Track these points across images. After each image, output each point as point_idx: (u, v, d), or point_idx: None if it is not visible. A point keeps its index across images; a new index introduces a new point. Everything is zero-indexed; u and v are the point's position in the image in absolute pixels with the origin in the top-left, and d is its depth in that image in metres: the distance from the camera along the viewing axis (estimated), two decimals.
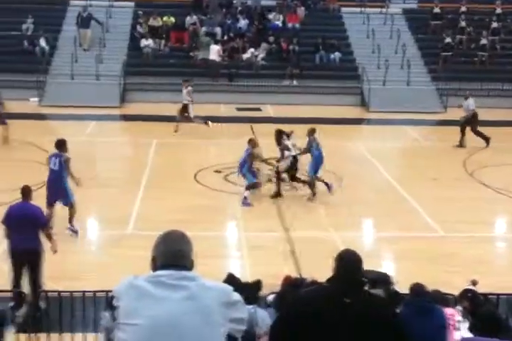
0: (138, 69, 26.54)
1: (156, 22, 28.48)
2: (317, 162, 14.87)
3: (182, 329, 3.23)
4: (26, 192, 9.54)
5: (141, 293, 3.30)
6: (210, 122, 20.99)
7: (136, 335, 3.24)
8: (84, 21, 27.84)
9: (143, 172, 16.88)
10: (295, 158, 14.90)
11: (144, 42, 27.60)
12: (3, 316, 6.36)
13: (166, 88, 25.50)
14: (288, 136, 15.06)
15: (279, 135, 15.02)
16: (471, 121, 20.29)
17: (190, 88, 21.22)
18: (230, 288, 3.47)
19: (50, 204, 12.17)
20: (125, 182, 15.89)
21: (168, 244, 3.47)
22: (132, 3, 29.91)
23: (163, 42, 28.23)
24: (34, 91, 24.62)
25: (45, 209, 10.85)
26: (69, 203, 12.24)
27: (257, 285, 7.15)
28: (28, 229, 9.15)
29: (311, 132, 15.02)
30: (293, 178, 15.14)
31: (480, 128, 20.15)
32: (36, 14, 27.83)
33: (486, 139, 20.09)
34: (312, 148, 14.86)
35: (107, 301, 6.24)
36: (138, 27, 28.32)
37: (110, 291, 8.60)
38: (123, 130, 23.57)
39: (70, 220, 12.32)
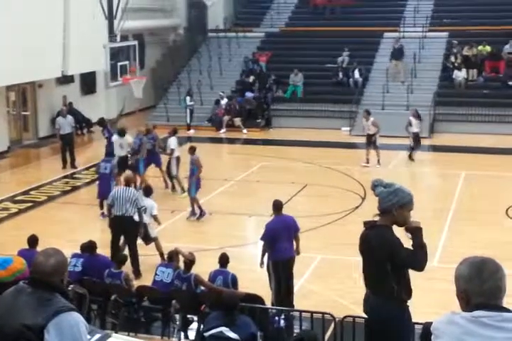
0: (449, 100, 26.18)
1: (470, 51, 27.91)
2: None
3: None
4: (279, 207, 10.74)
5: (463, 332, 3.05)
6: None
7: None
8: (397, 53, 28.31)
9: (450, 204, 16.56)
10: None
11: (456, 72, 27.18)
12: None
13: (476, 119, 24.94)
14: None
15: None
16: None
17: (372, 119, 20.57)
18: None
19: None
20: (431, 214, 15.68)
21: (485, 278, 3.10)
22: (446, 33, 29.68)
23: (476, 71, 27.56)
24: (347, 121, 25.54)
25: None
26: None
27: None
28: (288, 238, 10.49)
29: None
30: None
31: None
32: (352, 47, 28.95)
33: None
34: None
35: (421, 333, 6.25)
36: (451, 57, 28.00)
37: (419, 323, 8.47)
38: (431, 160, 23.37)
39: None
